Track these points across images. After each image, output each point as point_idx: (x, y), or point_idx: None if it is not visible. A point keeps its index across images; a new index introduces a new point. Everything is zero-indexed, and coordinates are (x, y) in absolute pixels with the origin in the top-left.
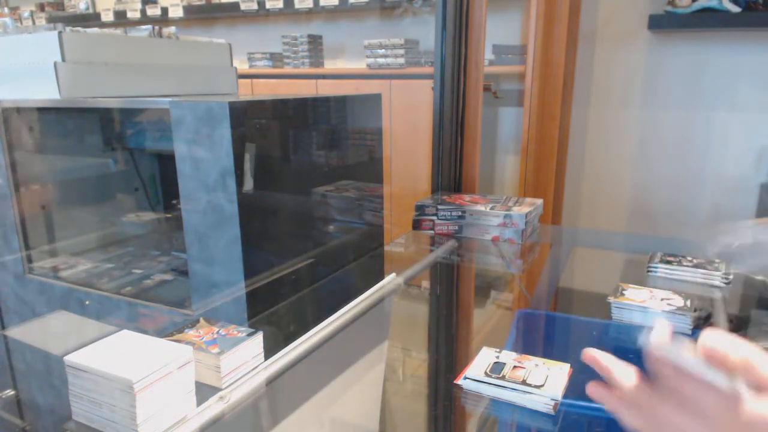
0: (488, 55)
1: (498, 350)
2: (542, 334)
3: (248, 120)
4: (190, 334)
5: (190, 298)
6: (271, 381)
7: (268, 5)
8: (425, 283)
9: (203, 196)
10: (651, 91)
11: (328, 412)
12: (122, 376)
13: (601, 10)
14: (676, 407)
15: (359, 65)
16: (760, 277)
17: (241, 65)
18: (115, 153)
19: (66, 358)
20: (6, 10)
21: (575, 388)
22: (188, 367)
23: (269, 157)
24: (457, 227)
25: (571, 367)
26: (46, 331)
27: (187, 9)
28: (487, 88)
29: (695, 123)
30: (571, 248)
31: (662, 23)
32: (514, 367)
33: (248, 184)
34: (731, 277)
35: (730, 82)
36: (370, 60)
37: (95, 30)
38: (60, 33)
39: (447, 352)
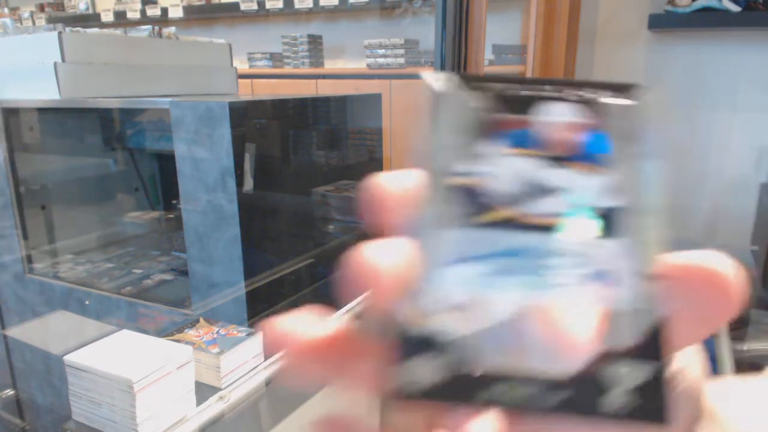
0: (488, 55)
1: None
2: None
3: (248, 120)
4: (190, 334)
5: (190, 298)
6: (271, 381)
7: (268, 5)
8: None
9: (203, 196)
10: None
11: (327, 412)
12: (122, 375)
13: (601, 10)
14: None
15: (359, 65)
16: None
17: (241, 65)
18: (115, 153)
19: (66, 357)
20: (6, 10)
21: None
22: (188, 367)
23: (269, 157)
24: None
25: None
26: (46, 331)
27: (187, 9)
28: None
29: (695, 123)
30: None
31: (662, 23)
32: None
33: (248, 184)
34: None
35: (731, 82)
36: (370, 60)
37: (95, 30)
38: (60, 33)
39: None
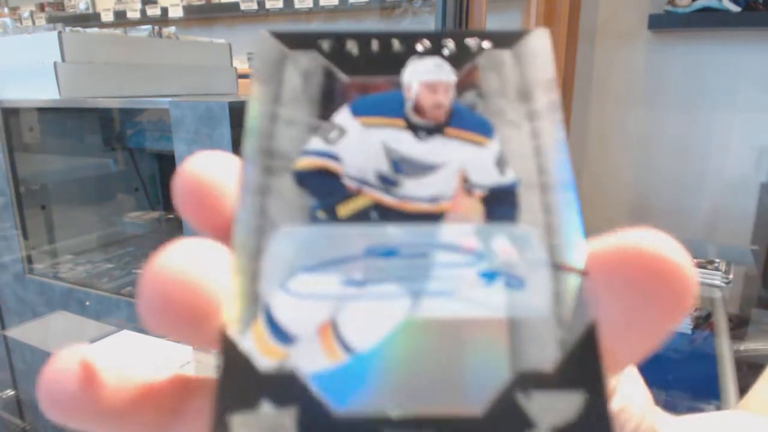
0: None
1: None
2: None
3: None
4: None
5: None
6: None
7: (268, 5)
8: None
9: None
10: (651, 91)
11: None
12: None
13: (601, 10)
14: None
15: None
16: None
17: (241, 65)
18: (115, 153)
19: None
20: (6, 10)
21: None
22: (188, 368)
23: None
24: None
25: None
26: (46, 331)
27: (187, 9)
28: None
29: (695, 123)
30: None
31: (662, 23)
32: None
33: None
34: (731, 277)
35: (731, 82)
36: None
37: (95, 30)
38: (60, 33)
39: None
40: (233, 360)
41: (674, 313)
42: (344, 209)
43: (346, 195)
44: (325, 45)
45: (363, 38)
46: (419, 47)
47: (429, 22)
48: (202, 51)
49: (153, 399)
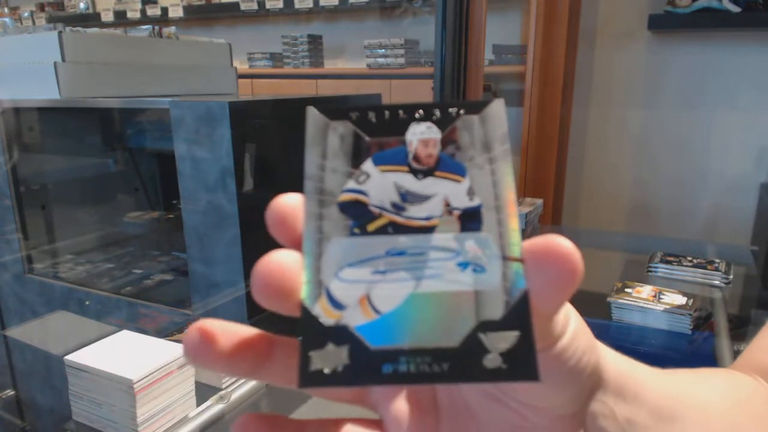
0: (488, 55)
1: None
2: None
3: (248, 120)
4: None
5: (190, 298)
6: None
7: (268, 5)
8: None
9: (203, 196)
10: (651, 91)
11: (328, 412)
12: (122, 375)
13: (601, 10)
14: None
15: (359, 65)
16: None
17: (241, 65)
18: (115, 153)
19: (66, 357)
20: (6, 10)
21: None
22: (188, 367)
23: (269, 157)
24: None
25: None
26: (46, 331)
27: (187, 9)
28: (487, 88)
29: (695, 123)
30: None
31: (662, 23)
32: None
33: (248, 184)
34: (731, 277)
35: (730, 82)
36: (370, 60)
37: (95, 30)
38: (60, 33)
39: None
40: (308, 319)
41: (572, 281)
42: (371, 226)
43: (372, 217)
44: (354, 116)
45: (379, 110)
46: (417, 115)
47: (429, 23)
48: (202, 51)
49: (250, 347)
